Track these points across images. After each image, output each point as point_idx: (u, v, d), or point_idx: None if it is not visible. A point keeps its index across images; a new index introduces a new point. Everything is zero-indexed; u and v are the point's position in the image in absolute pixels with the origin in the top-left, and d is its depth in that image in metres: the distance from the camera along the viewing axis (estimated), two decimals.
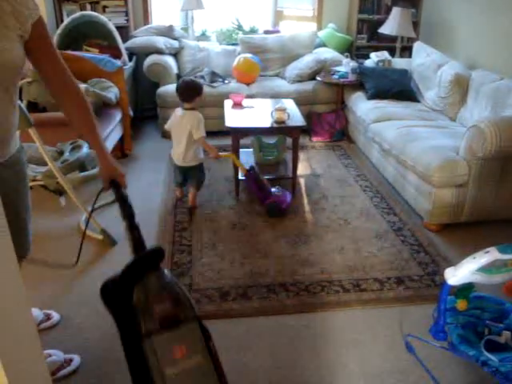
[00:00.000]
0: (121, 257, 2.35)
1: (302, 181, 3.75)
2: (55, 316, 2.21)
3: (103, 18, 4.50)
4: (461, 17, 4.53)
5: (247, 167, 3.25)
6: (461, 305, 1.89)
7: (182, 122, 3.15)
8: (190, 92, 3.17)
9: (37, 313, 2.14)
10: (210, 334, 1.30)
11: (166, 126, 3.34)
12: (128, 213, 1.47)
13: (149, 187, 3.62)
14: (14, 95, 1.45)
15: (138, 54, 4.95)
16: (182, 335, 1.26)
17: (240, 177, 3.43)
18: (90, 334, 2.15)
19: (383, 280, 2.55)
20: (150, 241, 2.87)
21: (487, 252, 1.74)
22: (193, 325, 1.28)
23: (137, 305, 1.27)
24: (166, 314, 1.25)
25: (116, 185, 1.60)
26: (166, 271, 1.33)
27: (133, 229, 1.43)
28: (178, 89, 3.21)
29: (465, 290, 1.88)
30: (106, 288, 1.31)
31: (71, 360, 1.97)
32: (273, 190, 3.23)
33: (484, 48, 4.16)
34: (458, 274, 1.78)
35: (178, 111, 3.21)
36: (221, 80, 4.77)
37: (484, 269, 1.74)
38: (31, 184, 2.72)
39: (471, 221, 3.05)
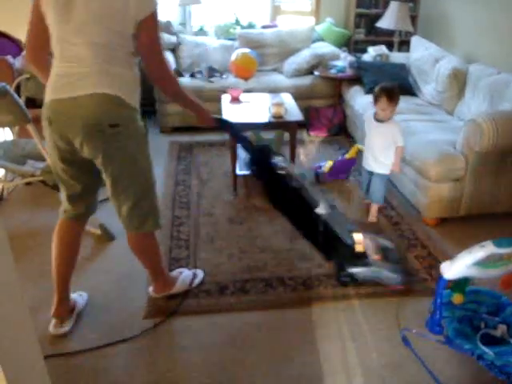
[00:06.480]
0: (118, 252, 2.36)
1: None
2: None
3: None
4: (459, 11, 4.53)
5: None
6: (457, 299, 1.90)
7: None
8: None
9: None
10: None
11: None
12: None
13: None
14: None
15: None
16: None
17: (238, 172, 3.44)
18: (89, 329, 2.17)
19: None
20: None
21: (483, 246, 1.75)
22: None
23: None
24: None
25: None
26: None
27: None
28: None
29: (461, 283, 1.89)
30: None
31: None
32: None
33: (482, 42, 4.15)
34: (453, 268, 1.79)
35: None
36: (218, 75, 4.77)
37: (480, 263, 1.75)
38: (30, 180, 2.73)
39: (469, 215, 3.06)
